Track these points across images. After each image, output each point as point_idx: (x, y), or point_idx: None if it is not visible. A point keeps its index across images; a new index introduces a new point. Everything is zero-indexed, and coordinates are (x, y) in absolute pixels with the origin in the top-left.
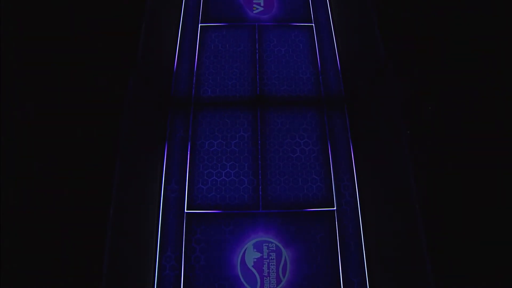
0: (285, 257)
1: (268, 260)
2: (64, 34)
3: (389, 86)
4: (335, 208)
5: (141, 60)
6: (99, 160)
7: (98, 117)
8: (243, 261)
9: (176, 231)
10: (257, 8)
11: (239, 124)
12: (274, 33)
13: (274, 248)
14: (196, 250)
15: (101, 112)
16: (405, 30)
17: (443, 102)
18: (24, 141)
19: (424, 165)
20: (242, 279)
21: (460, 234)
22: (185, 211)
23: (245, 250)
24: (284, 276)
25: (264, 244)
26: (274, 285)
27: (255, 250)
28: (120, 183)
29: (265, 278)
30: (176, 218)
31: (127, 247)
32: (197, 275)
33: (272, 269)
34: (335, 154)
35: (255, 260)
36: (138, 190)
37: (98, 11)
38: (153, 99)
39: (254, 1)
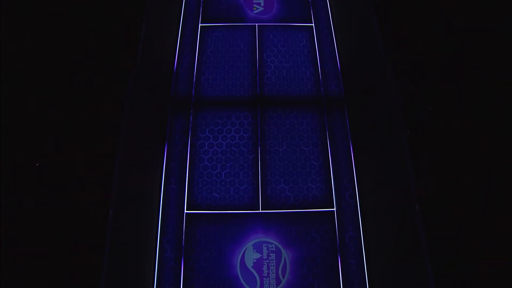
0: (284, 257)
1: (267, 261)
2: (64, 34)
3: (389, 87)
4: (335, 209)
5: (141, 60)
6: (99, 160)
7: (98, 117)
8: (242, 262)
9: (176, 232)
10: (257, 8)
11: (239, 124)
12: (274, 33)
13: (273, 249)
14: (196, 251)
15: (101, 112)
16: (405, 30)
17: (443, 103)
18: (24, 141)
19: (424, 165)
20: (241, 280)
21: (460, 234)
22: (185, 211)
23: (245, 250)
24: (284, 277)
25: (264, 245)
26: (273, 286)
27: (254, 250)
28: (120, 183)
29: (264, 278)
30: (176, 219)
31: (127, 248)
32: (196, 276)
33: (272, 269)
34: (335, 155)
35: (254, 260)
36: (138, 190)
37: (98, 11)
38: (153, 99)
39: (254, 1)
